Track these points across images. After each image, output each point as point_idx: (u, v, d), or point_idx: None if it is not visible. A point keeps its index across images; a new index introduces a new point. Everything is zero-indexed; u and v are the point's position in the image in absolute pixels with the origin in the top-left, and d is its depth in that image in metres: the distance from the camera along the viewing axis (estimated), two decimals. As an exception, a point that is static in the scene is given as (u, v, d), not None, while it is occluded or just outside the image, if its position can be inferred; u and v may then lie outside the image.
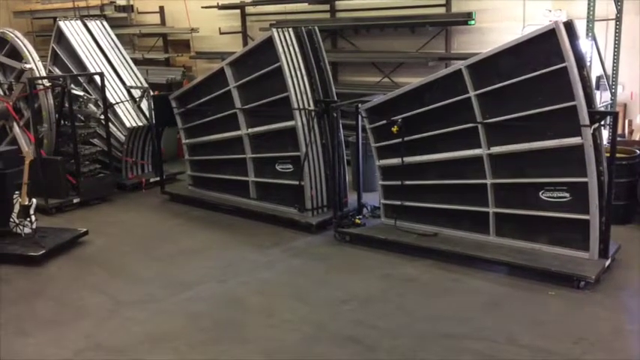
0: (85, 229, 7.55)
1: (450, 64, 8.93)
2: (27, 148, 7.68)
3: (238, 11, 12.92)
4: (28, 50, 9.27)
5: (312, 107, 7.66)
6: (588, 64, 7.34)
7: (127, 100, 10.12)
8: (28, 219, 7.16)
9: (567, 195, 6.17)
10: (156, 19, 14.58)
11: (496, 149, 6.46)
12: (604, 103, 8.41)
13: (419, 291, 5.97)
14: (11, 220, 7.14)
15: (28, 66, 9.10)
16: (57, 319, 5.62)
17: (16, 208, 7.13)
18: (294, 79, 7.59)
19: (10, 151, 7.57)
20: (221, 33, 12.97)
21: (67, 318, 5.64)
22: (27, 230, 7.15)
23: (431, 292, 5.94)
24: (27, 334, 5.36)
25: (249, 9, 12.85)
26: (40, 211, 8.64)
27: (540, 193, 6.30)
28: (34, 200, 7.22)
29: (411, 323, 5.32)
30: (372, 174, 7.97)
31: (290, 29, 7.74)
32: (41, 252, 6.82)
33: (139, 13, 14.98)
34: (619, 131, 8.26)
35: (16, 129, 9.49)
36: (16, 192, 7.18)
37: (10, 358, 4.98)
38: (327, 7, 11.78)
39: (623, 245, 6.48)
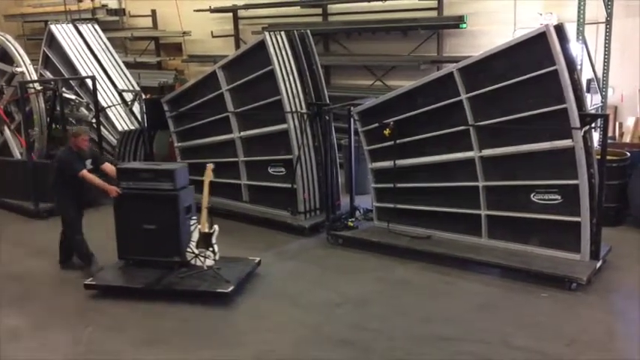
0: (258, 259, 6.53)
1: (442, 67, 8.96)
2: (209, 165, 6.38)
3: (230, 15, 12.92)
4: (19, 54, 9.25)
5: (304, 110, 7.67)
6: (579, 67, 7.39)
7: (119, 104, 10.10)
8: (210, 249, 6.02)
9: (558, 197, 6.21)
10: (148, 22, 14.55)
11: (488, 152, 6.49)
12: (595, 106, 8.47)
13: (413, 293, 5.98)
14: (189, 250, 6.03)
15: (19, 69, 9.07)
16: None
17: (195, 236, 6.04)
18: (287, 83, 7.59)
19: (183, 169, 6.37)
20: (213, 36, 12.97)
21: None
22: (209, 262, 5.99)
23: (424, 295, 5.94)
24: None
25: (242, 12, 12.85)
26: (30, 215, 8.65)
27: (532, 195, 6.33)
28: (215, 227, 6.08)
29: (405, 325, 5.32)
30: (364, 177, 7.97)
31: (282, 33, 7.75)
32: (230, 288, 5.78)
33: (131, 16, 14.94)
34: (609, 134, 8.31)
35: (7, 133, 9.45)
36: (193, 217, 6.20)
37: None
38: (319, 10, 11.81)
39: (614, 247, 6.51)
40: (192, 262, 6.04)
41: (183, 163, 6.71)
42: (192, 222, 6.15)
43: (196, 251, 6.00)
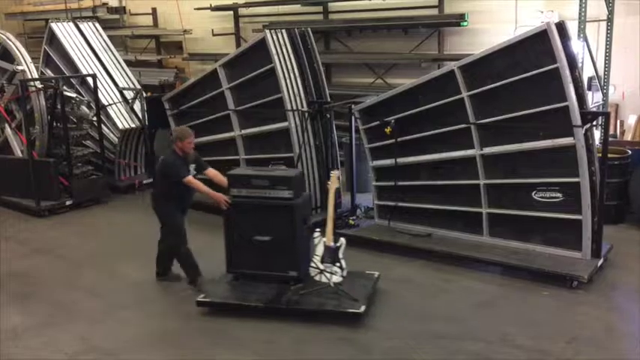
0: (378, 273, 5.95)
1: (443, 65, 8.95)
2: (334, 173, 5.87)
3: (231, 13, 12.90)
4: (20, 52, 9.24)
5: (305, 108, 7.67)
6: (580, 64, 7.38)
7: (120, 102, 10.10)
8: (338, 264, 5.54)
9: (560, 195, 6.20)
10: (148, 20, 14.54)
11: (489, 150, 6.48)
12: (596, 104, 8.45)
13: (413, 291, 5.98)
14: (312, 265, 5.55)
15: (20, 68, 9.06)
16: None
17: (319, 249, 5.57)
18: (288, 81, 7.59)
19: (299, 176, 5.85)
20: (214, 34, 12.95)
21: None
22: (336, 278, 5.48)
23: (425, 293, 5.94)
24: None
25: (242, 10, 12.83)
26: (31, 214, 8.65)
27: (533, 193, 6.33)
28: (342, 240, 5.60)
29: (405, 324, 5.32)
30: (365, 175, 7.98)
31: (283, 31, 7.75)
32: (362, 307, 5.26)
33: (132, 14, 14.93)
34: (611, 131, 8.30)
35: (8, 131, 9.46)
36: (317, 229, 5.72)
37: None
38: (320, 8, 11.78)
39: (615, 245, 6.51)
40: (317, 278, 5.50)
41: (298, 170, 6.12)
42: (316, 235, 5.64)
43: (321, 266, 5.49)
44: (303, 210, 5.68)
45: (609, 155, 6.53)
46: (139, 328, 5.44)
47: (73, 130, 9.08)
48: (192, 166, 6.00)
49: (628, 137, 8.76)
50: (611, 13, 8.42)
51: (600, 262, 6.12)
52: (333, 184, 5.75)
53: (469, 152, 6.57)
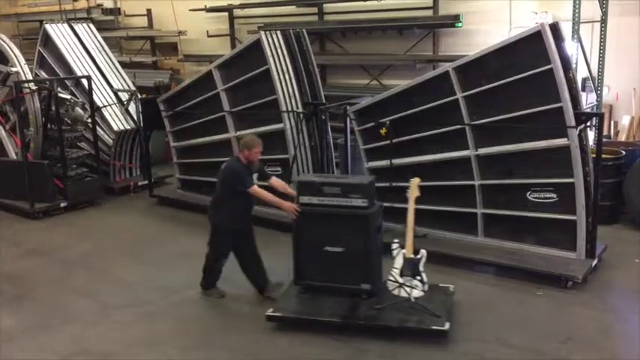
0: (452, 286, 5.62)
1: (438, 66, 8.96)
2: (414, 180, 5.55)
3: (226, 14, 12.90)
4: (14, 53, 9.21)
5: (300, 110, 7.67)
6: (574, 65, 7.39)
7: (115, 104, 10.07)
8: (418, 277, 5.28)
9: (554, 196, 6.22)
10: (143, 21, 14.51)
11: (483, 150, 6.50)
12: (590, 105, 8.49)
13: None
14: (391, 278, 5.30)
15: (14, 69, 9.03)
16: None
17: (398, 262, 5.34)
18: (283, 82, 7.59)
19: (372, 183, 5.45)
20: (209, 36, 12.94)
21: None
22: (416, 293, 5.21)
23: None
24: None
25: (237, 12, 12.82)
26: (25, 216, 8.63)
27: (527, 194, 6.34)
28: (423, 252, 5.34)
29: (400, 324, 5.32)
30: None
31: (278, 32, 7.74)
32: (447, 324, 4.97)
33: (126, 15, 14.91)
34: (605, 132, 8.33)
35: (2, 133, 9.43)
36: (395, 240, 5.47)
37: None
38: (315, 9, 11.79)
39: (609, 245, 6.53)
40: (396, 292, 5.26)
41: (371, 177, 5.75)
42: (394, 246, 5.40)
43: (401, 280, 5.23)
44: (377, 219, 5.41)
45: (603, 156, 6.54)
46: (133, 331, 5.43)
47: (67, 131, 9.07)
48: (255, 175, 5.75)
49: (622, 138, 8.80)
50: (604, 14, 8.46)
51: (594, 262, 6.14)
52: (413, 192, 5.44)
53: (464, 153, 6.58)
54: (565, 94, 5.83)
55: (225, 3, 12.64)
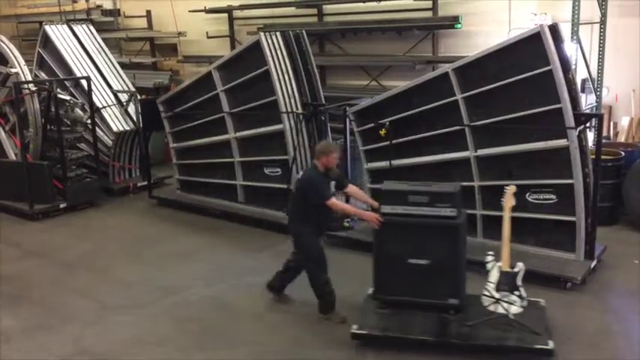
0: (543, 301, 5.26)
1: (437, 67, 8.97)
2: (510, 188, 5.16)
3: (226, 15, 12.90)
4: (13, 54, 9.20)
5: (300, 111, 7.67)
6: (573, 67, 7.41)
7: (114, 105, 10.07)
8: (516, 292, 4.96)
9: (553, 197, 6.22)
10: (143, 22, 14.50)
11: (483, 152, 6.50)
12: (589, 106, 8.49)
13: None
14: (487, 294, 4.99)
15: (13, 70, 9.03)
16: None
17: (493, 276, 5.03)
18: (282, 83, 7.59)
19: (460, 191, 5.15)
20: (208, 37, 12.93)
21: None
22: (514, 309, 4.90)
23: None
24: None
25: (237, 13, 12.82)
26: (25, 217, 8.62)
27: (527, 195, 6.34)
28: (520, 265, 5.03)
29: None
30: (360, 177, 7.97)
31: (278, 33, 7.75)
32: (551, 343, 4.66)
33: (126, 17, 14.90)
34: (604, 133, 8.34)
35: (2, 134, 9.43)
36: (489, 253, 5.19)
37: None
38: (314, 11, 11.80)
39: (608, 246, 6.53)
40: (492, 308, 4.96)
41: (457, 184, 5.31)
42: (489, 259, 5.11)
43: (497, 295, 4.93)
44: (465, 230, 5.13)
45: (603, 157, 6.54)
46: (132, 331, 5.42)
47: (67, 132, 9.07)
48: (332, 184, 5.45)
49: (621, 139, 8.80)
50: (604, 15, 8.47)
51: (594, 263, 6.14)
52: (508, 201, 5.13)
53: (463, 154, 6.59)
54: (564, 95, 5.84)
55: (224, 4, 12.64)
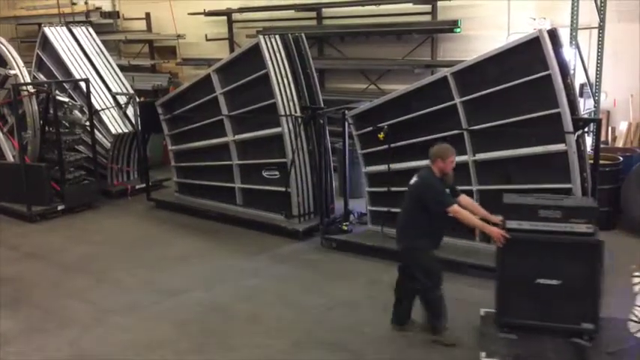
0: None
1: (436, 72, 8.98)
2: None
3: (225, 18, 12.92)
4: (12, 56, 9.21)
5: (298, 114, 7.67)
6: (572, 71, 7.43)
7: (113, 107, 10.07)
8: None
9: (552, 201, 6.21)
10: (142, 25, 14.52)
11: (481, 156, 6.51)
12: (587, 111, 8.50)
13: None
14: (635, 318, 4.68)
15: (12, 72, 9.03)
16: None
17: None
18: (281, 86, 7.60)
19: (596, 208, 4.87)
20: (207, 40, 12.95)
21: None
22: None
23: (417, 299, 5.92)
24: None
25: (236, 16, 12.85)
26: (23, 219, 8.61)
27: (525, 199, 6.33)
28: None
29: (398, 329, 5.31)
30: (358, 180, 7.98)
31: (277, 36, 7.76)
32: None
33: (125, 19, 14.91)
34: (602, 138, 8.35)
35: (0, 136, 9.42)
36: (636, 274, 4.90)
37: None
38: (313, 14, 11.81)
39: (606, 251, 6.51)
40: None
41: (594, 199, 5.02)
42: (636, 280, 4.90)
43: None
44: (603, 249, 4.71)
45: (601, 162, 6.56)
46: (130, 334, 5.41)
47: (65, 134, 9.06)
48: (446, 191, 5.05)
49: (619, 144, 8.82)
50: (602, 20, 8.49)
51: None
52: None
53: (462, 158, 6.57)
54: (563, 100, 5.85)
55: (224, 7, 12.66)
